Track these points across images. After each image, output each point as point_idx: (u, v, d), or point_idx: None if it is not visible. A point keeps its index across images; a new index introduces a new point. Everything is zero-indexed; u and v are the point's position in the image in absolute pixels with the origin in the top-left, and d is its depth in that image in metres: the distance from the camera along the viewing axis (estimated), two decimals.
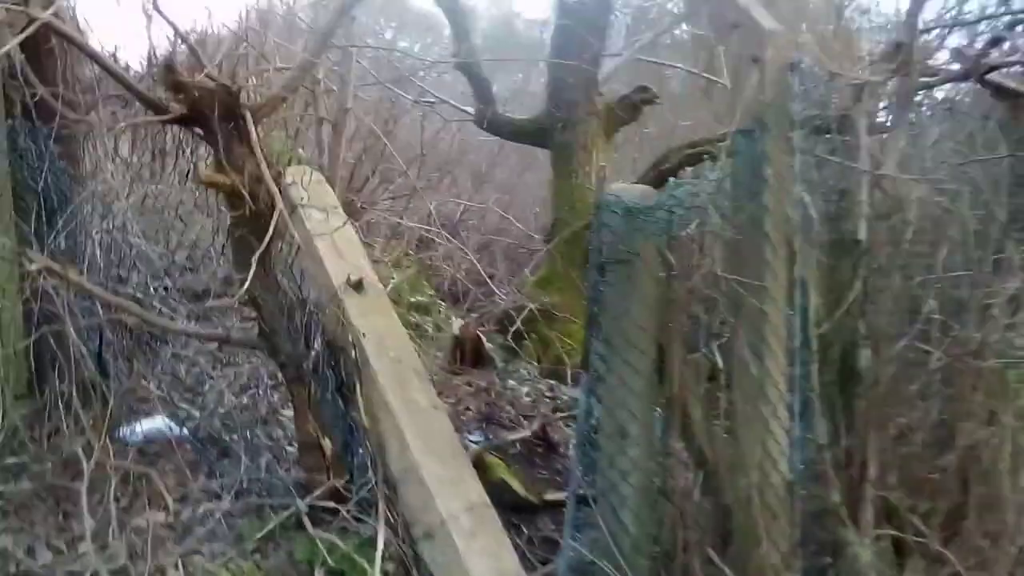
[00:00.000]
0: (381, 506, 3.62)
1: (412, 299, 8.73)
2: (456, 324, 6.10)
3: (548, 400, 5.58)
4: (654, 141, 8.57)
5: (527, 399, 5.49)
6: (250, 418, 4.75)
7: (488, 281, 6.69)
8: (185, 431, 4.63)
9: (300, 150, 9.18)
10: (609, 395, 3.41)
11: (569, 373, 6.07)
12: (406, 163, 10.40)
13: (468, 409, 5.33)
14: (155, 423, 4.70)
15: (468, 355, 5.95)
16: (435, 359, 5.96)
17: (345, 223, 4.42)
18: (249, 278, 3.12)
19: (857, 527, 3.08)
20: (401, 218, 10.04)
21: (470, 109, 8.24)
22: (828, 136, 3.35)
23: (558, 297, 6.70)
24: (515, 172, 11.11)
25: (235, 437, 4.62)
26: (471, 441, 4.79)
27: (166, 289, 5.33)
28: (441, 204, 11.23)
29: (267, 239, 3.14)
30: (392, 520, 3.60)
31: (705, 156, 6.12)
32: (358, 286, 4.11)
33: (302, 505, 3.61)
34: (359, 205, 10.59)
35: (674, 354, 3.34)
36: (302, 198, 4.35)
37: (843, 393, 3.29)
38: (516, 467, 4.61)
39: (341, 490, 3.73)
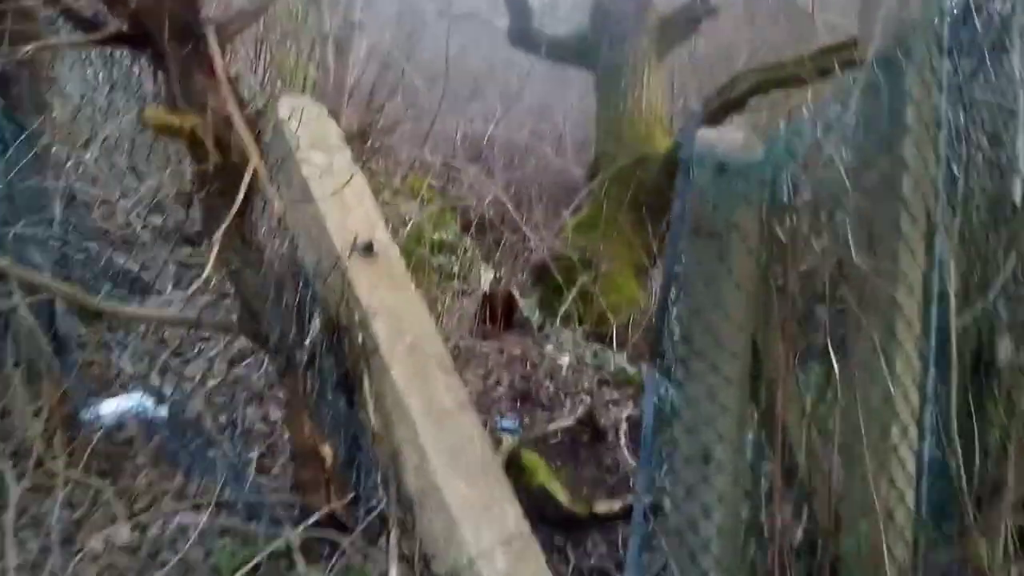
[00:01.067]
0: (393, 536, 2.88)
1: (436, 237, 7.93)
2: (485, 278, 5.26)
3: (593, 371, 4.76)
4: (707, 63, 7.54)
5: (568, 370, 4.67)
6: (243, 396, 4.00)
7: (521, 225, 5.82)
8: (163, 411, 3.90)
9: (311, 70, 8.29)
10: (689, 408, 2.60)
11: (614, 334, 5.26)
12: (428, 84, 9.50)
13: (499, 384, 4.53)
14: (128, 401, 3.95)
15: (499, 315, 5.13)
16: (461, 319, 5.15)
17: (353, 171, 3.57)
18: (213, 254, 2.29)
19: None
20: (423, 147, 9.16)
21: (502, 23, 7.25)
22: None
23: (603, 244, 5.83)
24: (551, 96, 10.12)
25: (223, 420, 3.89)
26: (503, 430, 4.00)
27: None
28: (468, 132, 10.36)
29: (237, 202, 2.29)
30: (407, 554, 2.84)
31: (782, 83, 5.20)
32: (368, 250, 3.29)
33: (294, 537, 2.84)
34: (374, 134, 9.74)
35: (776, 357, 2.54)
36: (298, 138, 3.50)
37: (976, 398, 2.54)
38: (558, 464, 3.85)
39: (343, 514, 2.96)
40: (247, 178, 2.30)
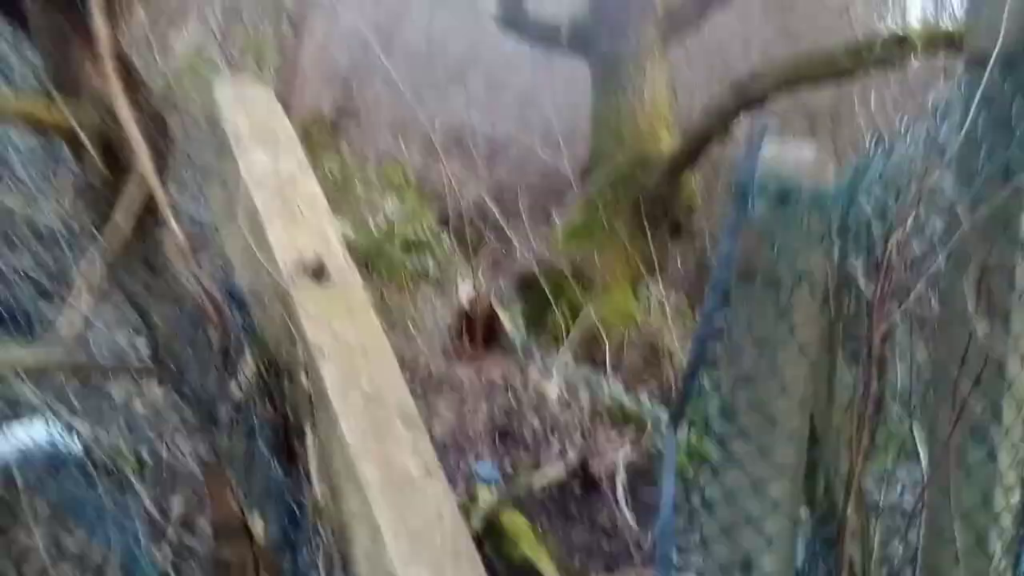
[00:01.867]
0: None
1: (409, 234, 7.32)
2: (464, 290, 4.65)
3: (583, 401, 4.17)
4: (715, 55, 6.92)
5: (557, 399, 4.08)
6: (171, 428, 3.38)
7: (504, 227, 5.21)
8: (77, 446, 3.28)
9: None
10: (728, 503, 1.99)
11: (607, 356, 4.67)
12: (409, 67, 8.88)
13: (476, 416, 3.93)
14: (33, 432, 3.33)
15: (478, 333, 4.52)
16: (434, 336, 4.54)
17: (305, 173, 2.95)
18: (86, 280, 1.67)
19: None
20: (399, 135, 8.52)
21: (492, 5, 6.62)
22: None
23: (596, 254, 5.22)
24: (538, 84, 9.50)
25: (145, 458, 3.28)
26: (480, 478, 3.40)
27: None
28: (450, 122, 9.72)
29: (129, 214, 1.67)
30: None
31: (814, 80, 4.60)
32: (319, 273, 2.67)
33: None
34: (347, 119, 9.09)
35: (840, 441, 1.96)
36: (239, 130, 2.87)
37: None
38: (544, 525, 3.26)
39: None
40: (138, 186, 1.66)
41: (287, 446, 2.46)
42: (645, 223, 5.28)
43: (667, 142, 5.53)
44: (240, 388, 2.40)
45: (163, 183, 1.78)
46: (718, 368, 1.98)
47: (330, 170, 7.63)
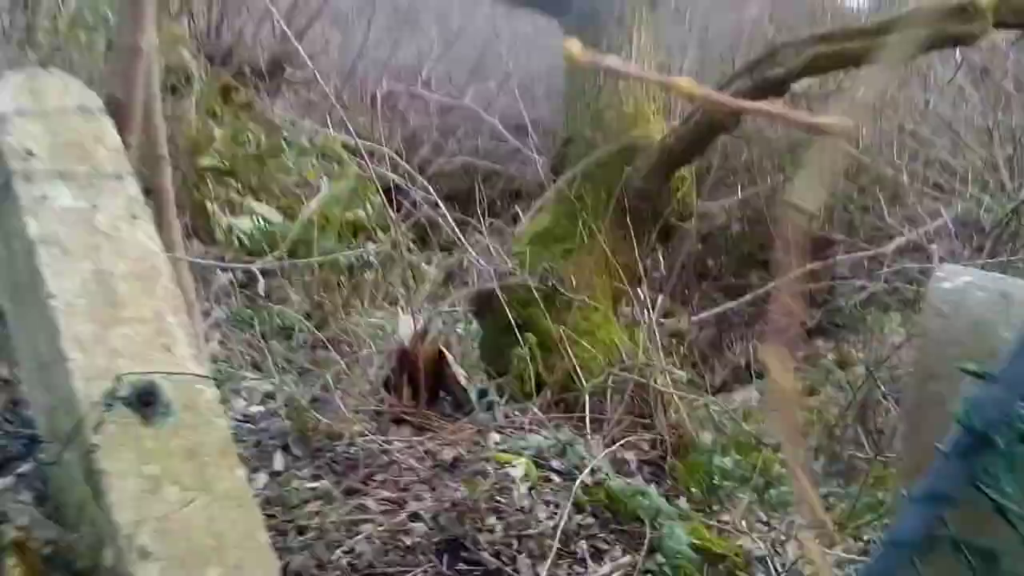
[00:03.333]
0: None
1: (348, 215, 6.22)
2: (403, 326, 3.58)
3: (559, 483, 3.17)
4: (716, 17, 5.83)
5: (525, 488, 3.07)
6: None
7: (455, 230, 4.16)
8: None
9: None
10: None
11: (587, 408, 3.68)
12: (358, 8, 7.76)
13: (415, 519, 2.91)
14: None
15: (422, 382, 3.49)
16: (363, 383, 3.49)
17: (137, 215, 1.87)
18: None
19: None
20: (335, 99, 7.36)
21: None
22: None
23: (571, 265, 4.20)
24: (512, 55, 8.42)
25: None
26: None
27: None
28: (400, 71, 8.58)
29: None
30: None
31: (850, 62, 3.56)
32: (148, 401, 1.61)
33: None
34: (279, 72, 7.89)
35: None
36: (27, 150, 1.78)
37: None
38: None
39: None
40: None
41: None
42: (630, 226, 4.26)
43: (656, 126, 4.48)
44: None
45: None
46: None
47: (250, 138, 6.46)
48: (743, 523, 3.43)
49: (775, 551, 3.35)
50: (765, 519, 3.58)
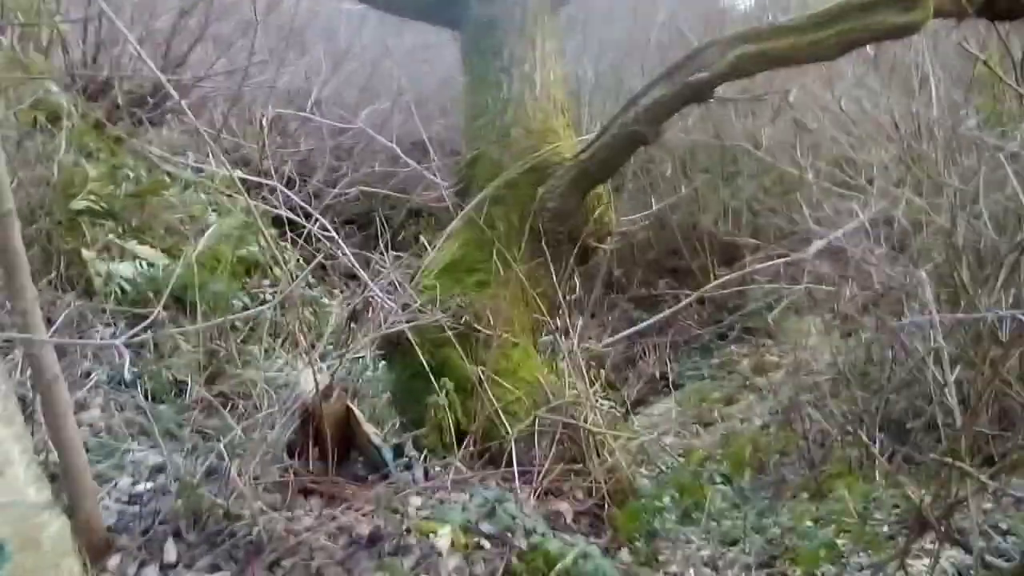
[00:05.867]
0: None
1: (240, 252, 5.76)
2: (304, 380, 3.19)
3: (491, 550, 2.84)
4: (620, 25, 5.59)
5: (453, 563, 2.73)
6: None
7: (355, 267, 3.79)
8: None
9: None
10: None
11: (514, 458, 3.34)
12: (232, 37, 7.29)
13: None
14: None
15: (330, 442, 3.11)
16: (263, 449, 3.09)
17: None
18: None
19: None
20: (222, 126, 6.89)
21: None
22: None
23: (485, 298, 3.87)
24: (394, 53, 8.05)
25: None
26: None
27: None
28: (288, 93, 8.13)
29: None
30: None
31: (787, 61, 3.35)
32: None
33: None
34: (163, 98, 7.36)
35: None
36: None
37: None
38: None
39: None
40: None
41: None
42: (547, 251, 3.97)
43: (568, 143, 4.20)
44: None
45: None
46: None
47: (130, 175, 5.93)
48: (692, 572, 3.17)
49: None
50: (713, 563, 3.32)
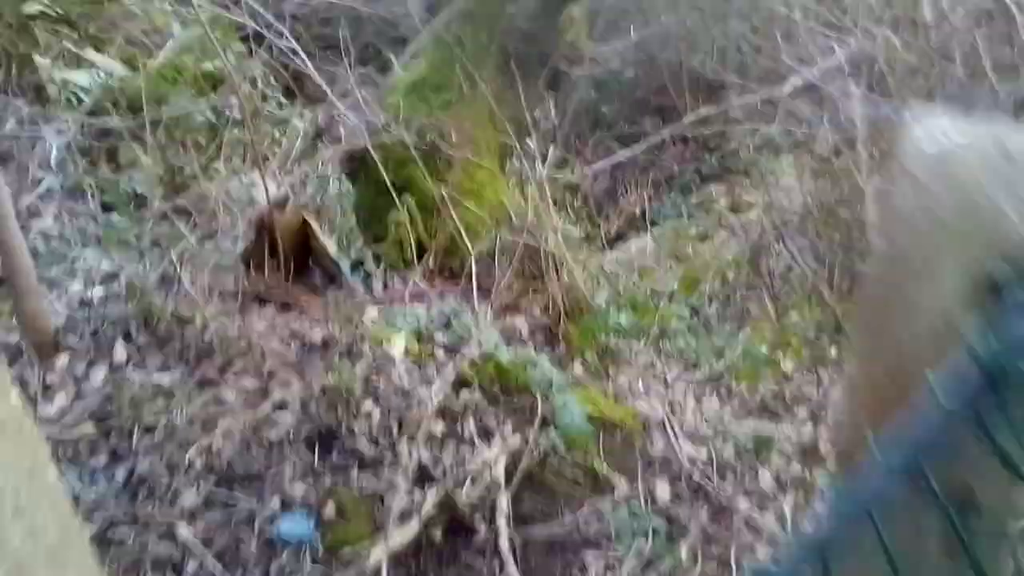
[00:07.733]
0: None
1: (206, 66, 5.58)
2: (259, 190, 3.17)
3: (446, 359, 2.89)
4: None
5: (404, 368, 2.78)
6: None
7: (320, 83, 3.69)
8: None
9: None
10: None
11: (474, 275, 3.36)
12: None
13: (280, 409, 2.60)
14: None
15: (284, 254, 3.11)
16: (219, 265, 3.09)
17: None
18: None
19: None
20: None
21: None
22: None
23: (451, 118, 3.80)
24: None
25: None
26: (284, 539, 2.15)
27: None
28: None
29: None
30: None
31: None
32: None
33: None
34: None
35: None
36: None
37: None
38: None
39: None
40: None
41: None
42: (515, 73, 3.86)
43: None
44: None
45: None
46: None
47: None
48: (640, 384, 3.25)
49: (672, 412, 3.19)
50: (664, 376, 3.40)
